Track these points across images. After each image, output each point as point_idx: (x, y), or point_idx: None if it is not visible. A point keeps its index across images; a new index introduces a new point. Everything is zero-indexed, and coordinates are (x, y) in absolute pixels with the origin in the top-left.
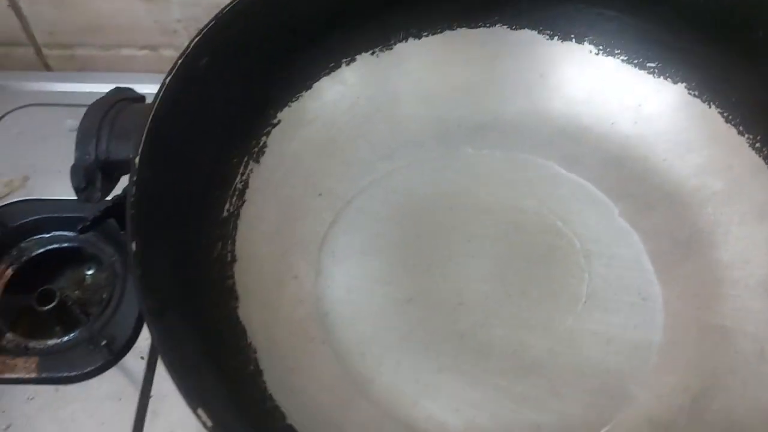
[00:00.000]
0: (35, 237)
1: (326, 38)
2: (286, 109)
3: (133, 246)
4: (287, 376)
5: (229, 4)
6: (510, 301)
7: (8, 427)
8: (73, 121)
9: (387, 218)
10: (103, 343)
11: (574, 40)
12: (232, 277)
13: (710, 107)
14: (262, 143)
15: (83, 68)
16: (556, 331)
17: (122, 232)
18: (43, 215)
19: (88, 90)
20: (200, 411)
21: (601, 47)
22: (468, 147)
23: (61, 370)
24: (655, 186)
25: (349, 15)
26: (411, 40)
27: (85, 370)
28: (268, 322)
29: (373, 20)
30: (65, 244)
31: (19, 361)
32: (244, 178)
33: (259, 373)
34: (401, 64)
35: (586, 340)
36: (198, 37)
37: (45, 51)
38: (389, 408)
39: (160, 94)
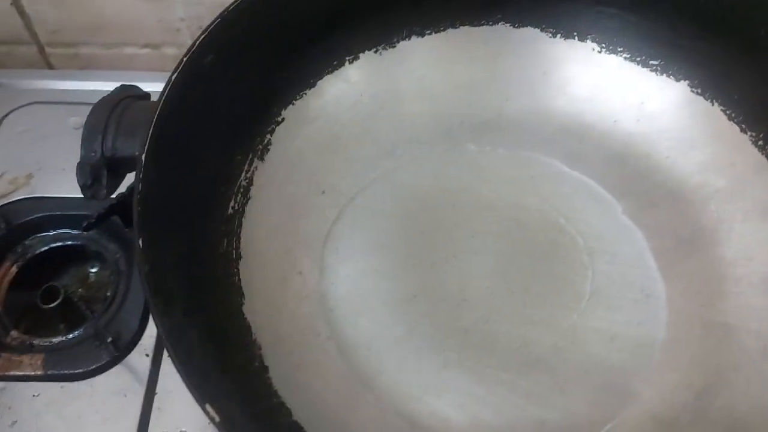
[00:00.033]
0: (39, 235)
1: (329, 36)
2: (290, 107)
3: (140, 242)
4: (292, 372)
5: (233, 3)
6: (513, 297)
7: (14, 423)
8: (76, 119)
9: (390, 215)
10: (109, 339)
11: (576, 38)
12: (238, 274)
13: (713, 105)
14: (266, 141)
15: (86, 67)
16: (559, 327)
17: (126, 230)
18: (47, 213)
19: (91, 88)
20: (208, 407)
21: (603, 45)
22: (471, 144)
23: (66, 367)
24: (658, 183)
25: (352, 13)
26: (414, 38)
27: (91, 367)
28: (273, 319)
29: (376, 18)
30: (69, 242)
31: (25, 358)
32: (248, 175)
33: (264, 369)
34: (404, 62)
35: (590, 337)
36: (203, 35)
37: (48, 49)
38: (394, 403)
39: (166, 92)
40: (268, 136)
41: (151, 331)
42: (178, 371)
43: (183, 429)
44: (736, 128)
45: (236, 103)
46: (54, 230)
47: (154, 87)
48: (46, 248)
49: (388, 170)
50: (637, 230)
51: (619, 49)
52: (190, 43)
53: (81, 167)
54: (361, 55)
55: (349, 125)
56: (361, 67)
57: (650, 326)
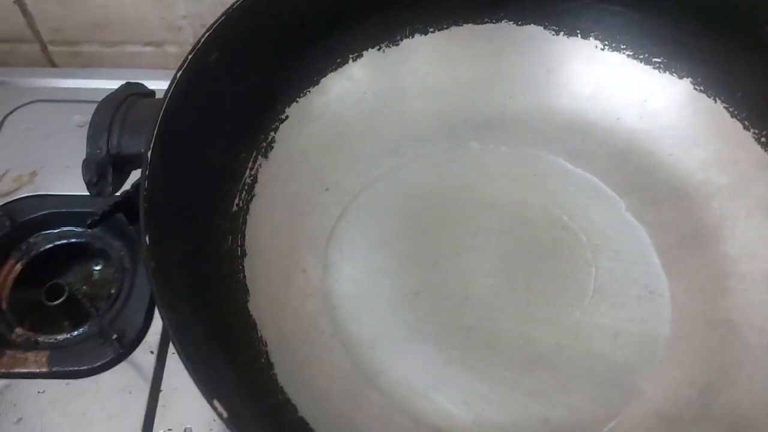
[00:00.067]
0: (43, 232)
1: (333, 34)
2: (294, 104)
3: (147, 238)
4: (297, 368)
5: (237, 1)
6: (516, 295)
7: (19, 420)
8: (80, 116)
9: (394, 212)
10: (114, 336)
11: (579, 35)
12: (243, 271)
13: (716, 102)
14: (270, 138)
15: (88, 65)
16: (563, 325)
17: (131, 227)
18: (51, 210)
19: (94, 86)
20: (216, 402)
21: (606, 43)
22: (474, 142)
23: (71, 364)
24: (662, 181)
25: (356, 11)
26: (417, 36)
27: (96, 364)
28: (277, 316)
29: (380, 16)
30: (73, 240)
31: (30, 355)
32: (253, 173)
33: (270, 366)
34: (408, 60)
35: (593, 335)
36: (208, 33)
37: (50, 48)
38: (398, 400)
39: (171, 89)
40: (272, 133)
41: (156, 328)
42: (186, 367)
43: (188, 426)
44: (739, 125)
45: (240, 101)
46: (58, 228)
47: (156, 85)
48: (50, 246)
49: (391, 168)
50: (640, 227)
51: (622, 47)
52: (192, 41)
53: (86, 164)
54: (364, 52)
55: (352, 123)
56: (364, 64)
57: (654, 323)
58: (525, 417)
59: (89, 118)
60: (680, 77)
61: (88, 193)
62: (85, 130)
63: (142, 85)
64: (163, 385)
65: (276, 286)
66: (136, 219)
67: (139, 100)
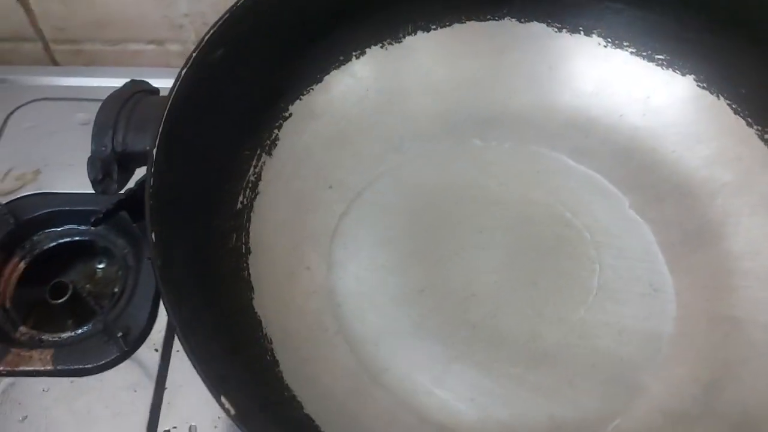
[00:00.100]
0: (47, 230)
1: (336, 31)
2: (298, 102)
3: (153, 236)
4: (302, 366)
5: None
6: (521, 292)
7: (24, 418)
8: (83, 114)
9: (397, 210)
10: (120, 334)
11: (582, 32)
12: (247, 268)
13: (719, 99)
14: (274, 136)
15: (90, 63)
16: (567, 321)
17: (134, 225)
18: (55, 209)
19: (97, 84)
20: (224, 399)
21: (609, 40)
22: (477, 139)
23: (75, 362)
24: (665, 178)
25: (359, 8)
26: (420, 33)
27: (100, 362)
28: (282, 314)
29: (383, 13)
30: (77, 238)
31: (34, 354)
32: (257, 170)
33: (275, 363)
34: (410, 57)
35: (598, 331)
36: (212, 31)
37: (53, 46)
38: (403, 397)
39: (176, 87)
40: (276, 131)
41: (160, 326)
42: (193, 363)
43: (193, 423)
44: (743, 122)
45: (244, 99)
46: (62, 226)
47: (158, 83)
48: (54, 244)
49: (394, 165)
50: (644, 224)
51: (624, 44)
52: (193, 39)
53: (92, 162)
54: (367, 50)
55: (355, 120)
56: (367, 62)
57: (658, 320)
58: (530, 413)
59: (92, 116)
60: (683, 74)
61: (91, 191)
62: (88, 129)
63: (147, 82)
64: (168, 383)
65: (280, 284)
66: (140, 217)
67: (144, 98)
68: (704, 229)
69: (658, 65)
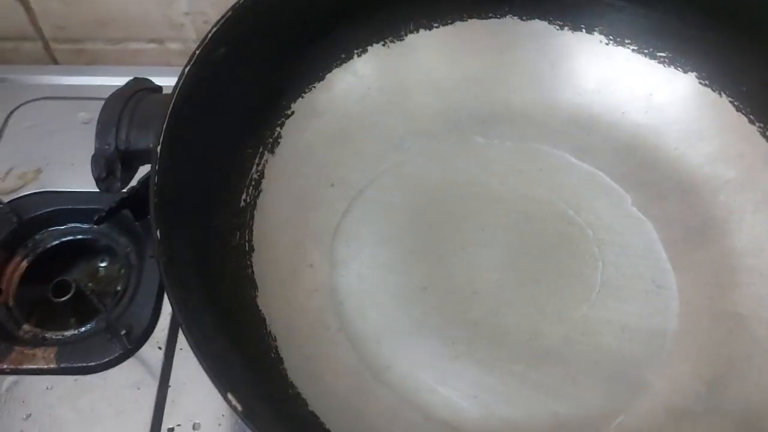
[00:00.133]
0: (49, 229)
1: (338, 29)
2: (300, 100)
3: (158, 233)
4: (305, 363)
5: None
6: (523, 289)
7: (28, 416)
8: (85, 113)
9: (399, 208)
10: (123, 332)
11: (584, 30)
12: (251, 266)
13: (721, 96)
14: (276, 134)
15: (91, 62)
16: (570, 319)
17: (137, 223)
18: (57, 207)
19: (97, 83)
20: (230, 396)
21: (611, 37)
22: (479, 137)
23: (79, 360)
24: (667, 175)
25: (361, 6)
26: (422, 31)
27: (103, 360)
28: (285, 311)
29: (385, 11)
30: (80, 236)
31: (38, 352)
32: (259, 168)
33: (279, 360)
34: (412, 55)
35: (601, 328)
36: (215, 28)
37: (53, 45)
38: (406, 395)
39: (180, 84)
40: (278, 129)
41: (163, 324)
42: (199, 360)
43: (197, 421)
44: (745, 119)
45: (247, 96)
46: (64, 224)
47: (159, 82)
48: (56, 242)
49: (396, 163)
50: (646, 221)
51: (626, 41)
52: (194, 37)
53: (95, 160)
54: (369, 48)
55: (357, 118)
56: (369, 60)
57: (661, 317)
58: (533, 411)
59: (93, 115)
60: (685, 71)
61: (93, 190)
62: (89, 128)
63: (150, 80)
64: (172, 381)
65: (283, 282)
66: (143, 215)
67: (147, 96)
68: (707, 226)
69: (660, 63)
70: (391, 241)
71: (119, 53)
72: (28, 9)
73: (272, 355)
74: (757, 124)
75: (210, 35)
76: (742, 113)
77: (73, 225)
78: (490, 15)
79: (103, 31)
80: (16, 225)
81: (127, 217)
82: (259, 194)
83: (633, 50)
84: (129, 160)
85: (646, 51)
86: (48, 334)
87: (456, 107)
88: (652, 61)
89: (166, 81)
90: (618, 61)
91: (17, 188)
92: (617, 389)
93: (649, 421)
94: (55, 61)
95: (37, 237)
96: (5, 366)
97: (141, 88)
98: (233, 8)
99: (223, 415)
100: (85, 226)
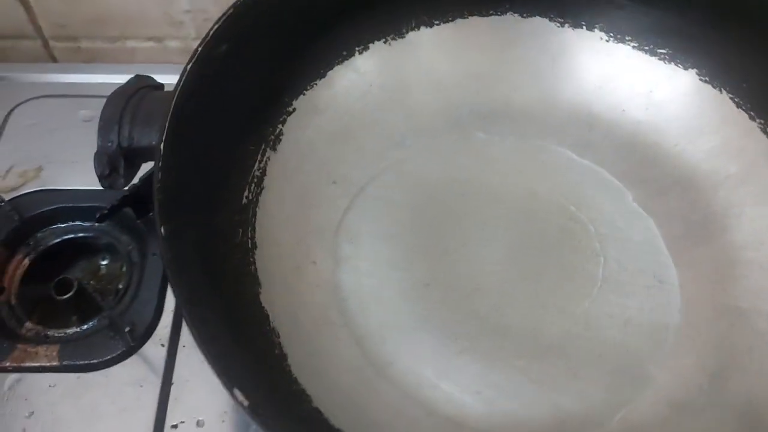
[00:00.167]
0: (51, 227)
1: (339, 26)
2: (301, 97)
3: (163, 230)
4: (309, 360)
5: None
6: (526, 284)
7: (31, 414)
8: (86, 111)
9: (401, 204)
10: (127, 329)
11: (584, 27)
12: (254, 263)
13: (721, 93)
14: (278, 131)
15: (90, 60)
16: (572, 313)
17: (138, 221)
18: (59, 205)
19: (97, 81)
20: (237, 391)
21: (611, 34)
22: (480, 133)
23: (81, 357)
24: (668, 171)
25: (362, 3)
26: (423, 29)
27: (106, 358)
28: (289, 308)
29: (386, 9)
30: (81, 234)
31: (40, 349)
32: (261, 165)
33: (283, 357)
34: (413, 52)
35: (603, 323)
36: (217, 25)
37: (52, 43)
38: (409, 391)
39: (182, 81)
40: (280, 126)
41: (166, 321)
42: (205, 357)
43: (200, 418)
44: (745, 115)
45: (248, 93)
46: (65, 223)
47: (159, 79)
48: (58, 240)
49: (398, 160)
50: (647, 217)
51: (627, 38)
52: (194, 35)
53: (98, 157)
54: (370, 45)
55: (359, 115)
56: (370, 57)
57: (663, 311)
58: (536, 405)
59: (94, 113)
60: (685, 68)
61: (94, 188)
62: (89, 126)
63: (152, 77)
64: (175, 378)
65: (286, 278)
66: (144, 213)
67: (150, 93)
68: (708, 221)
69: (660, 59)
70: (393, 237)
71: (118, 51)
72: (27, 7)
73: (276, 351)
74: (758, 120)
75: (212, 32)
76: (743, 109)
77: (74, 223)
78: (491, 12)
79: (102, 30)
80: (18, 223)
81: (129, 215)
82: (261, 191)
83: (633, 47)
84: (132, 157)
85: (646, 48)
86: (50, 332)
87: (457, 104)
88: (653, 58)
89: (166, 79)
90: (618, 58)
91: (18, 186)
92: (620, 383)
93: (652, 415)
94: (54, 60)
95: (39, 235)
96: (8, 364)
97: (143, 86)
98: (235, 5)
99: (226, 412)
100: (87, 224)
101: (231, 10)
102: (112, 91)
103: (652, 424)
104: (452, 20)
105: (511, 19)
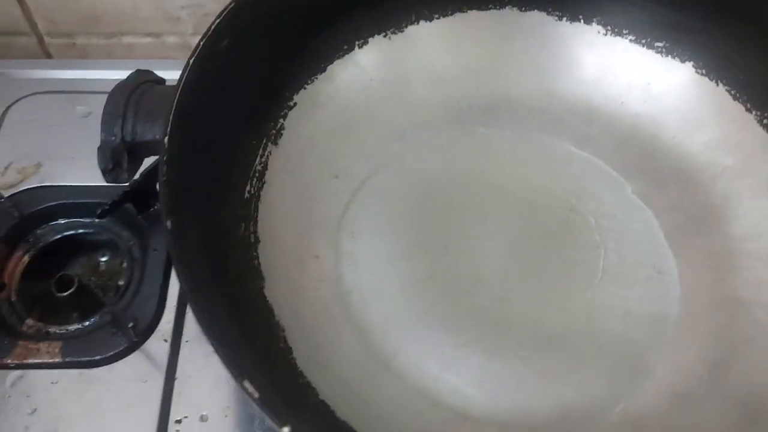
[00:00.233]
0: (50, 224)
1: (339, 21)
2: (302, 91)
3: (169, 224)
4: (313, 353)
5: None
6: (526, 277)
7: (34, 411)
8: (83, 107)
9: (402, 198)
10: (130, 325)
11: (582, 21)
12: (257, 257)
13: (718, 85)
14: (279, 126)
15: (85, 57)
16: (573, 305)
17: (139, 217)
18: (58, 201)
19: (95, 77)
20: (247, 383)
21: (609, 27)
22: (480, 127)
23: (84, 354)
24: (666, 163)
25: None
26: (422, 23)
27: (109, 354)
28: (292, 302)
29: (385, 3)
30: (81, 230)
31: (42, 346)
32: (263, 160)
33: (288, 350)
34: (413, 46)
35: (604, 314)
36: (219, 20)
37: (47, 39)
38: (413, 383)
39: (185, 75)
40: (281, 120)
41: (169, 317)
42: (215, 349)
43: (204, 412)
44: (742, 108)
45: (249, 88)
46: (65, 219)
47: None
48: (58, 237)
49: (398, 154)
50: (647, 209)
51: (624, 32)
52: (191, 31)
53: (102, 151)
54: (370, 39)
55: (359, 110)
56: (370, 51)
57: (663, 303)
58: (538, 396)
59: (92, 109)
60: (683, 61)
61: (94, 184)
62: (88, 121)
63: (153, 72)
64: (178, 373)
65: (290, 273)
66: (145, 208)
67: (152, 88)
68: (706, 213)
69: (657, 52)
70: (395, 231)
71: (114, 47)
72: (21, 3)
73: (281, 345)
74: (754, 112)
75: (213, 27)
76: (739, 102)
77: (74, 219)
78: (490, 6)
79: (97, 26)
80: (18, 220)
81: (129, 211)
82: (263, 186)
83: (631, 40)
84: (135, 152)
85: (643, 41)
86: (52, 329)
87: (457, 98)
88: (650, 51)
89: (164, 74)
90: (616, 52)
91: (17, 183)
92: (621, 374)
93: (653, 405)
94: (48, 56)
95: (38, 232)
96: (10, 361)
97: (144, 80)
98: (235, 0)
99: (229, 406)
100: (87, 220)
101: (232, 5)
102: (109, 87)
103: (653, 415)
104: (451, 14)
105: (509, 12)
